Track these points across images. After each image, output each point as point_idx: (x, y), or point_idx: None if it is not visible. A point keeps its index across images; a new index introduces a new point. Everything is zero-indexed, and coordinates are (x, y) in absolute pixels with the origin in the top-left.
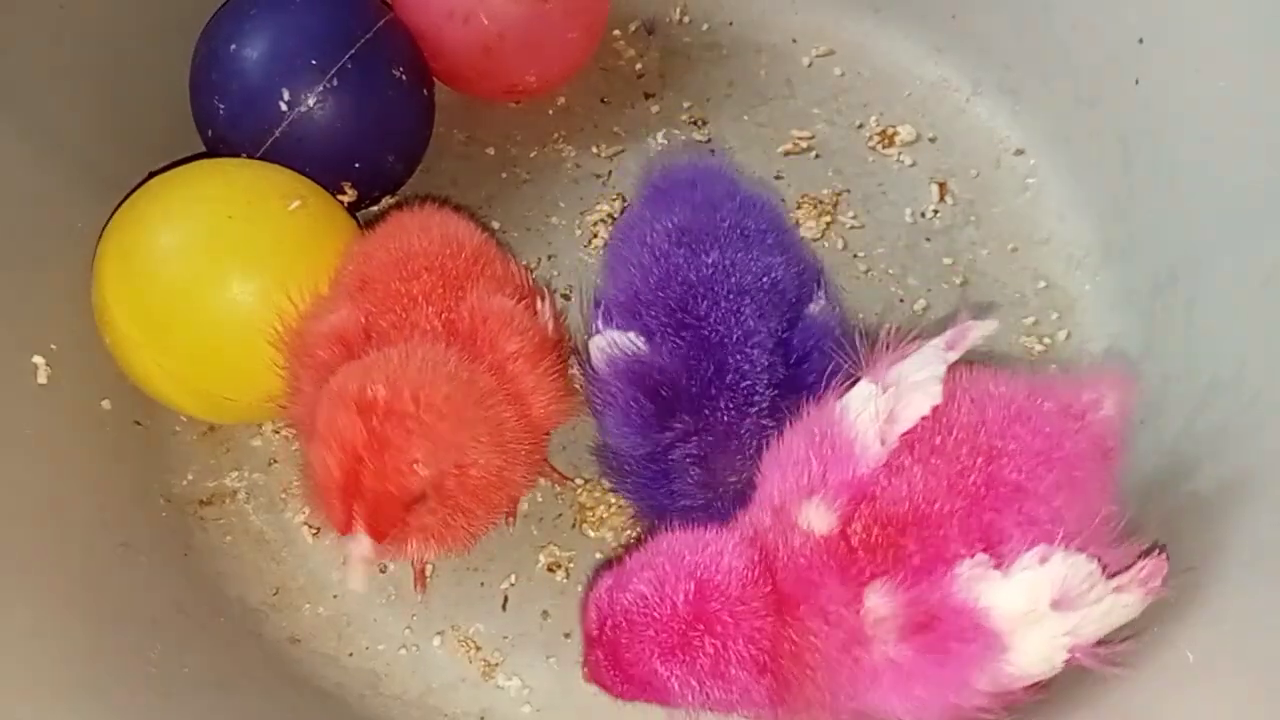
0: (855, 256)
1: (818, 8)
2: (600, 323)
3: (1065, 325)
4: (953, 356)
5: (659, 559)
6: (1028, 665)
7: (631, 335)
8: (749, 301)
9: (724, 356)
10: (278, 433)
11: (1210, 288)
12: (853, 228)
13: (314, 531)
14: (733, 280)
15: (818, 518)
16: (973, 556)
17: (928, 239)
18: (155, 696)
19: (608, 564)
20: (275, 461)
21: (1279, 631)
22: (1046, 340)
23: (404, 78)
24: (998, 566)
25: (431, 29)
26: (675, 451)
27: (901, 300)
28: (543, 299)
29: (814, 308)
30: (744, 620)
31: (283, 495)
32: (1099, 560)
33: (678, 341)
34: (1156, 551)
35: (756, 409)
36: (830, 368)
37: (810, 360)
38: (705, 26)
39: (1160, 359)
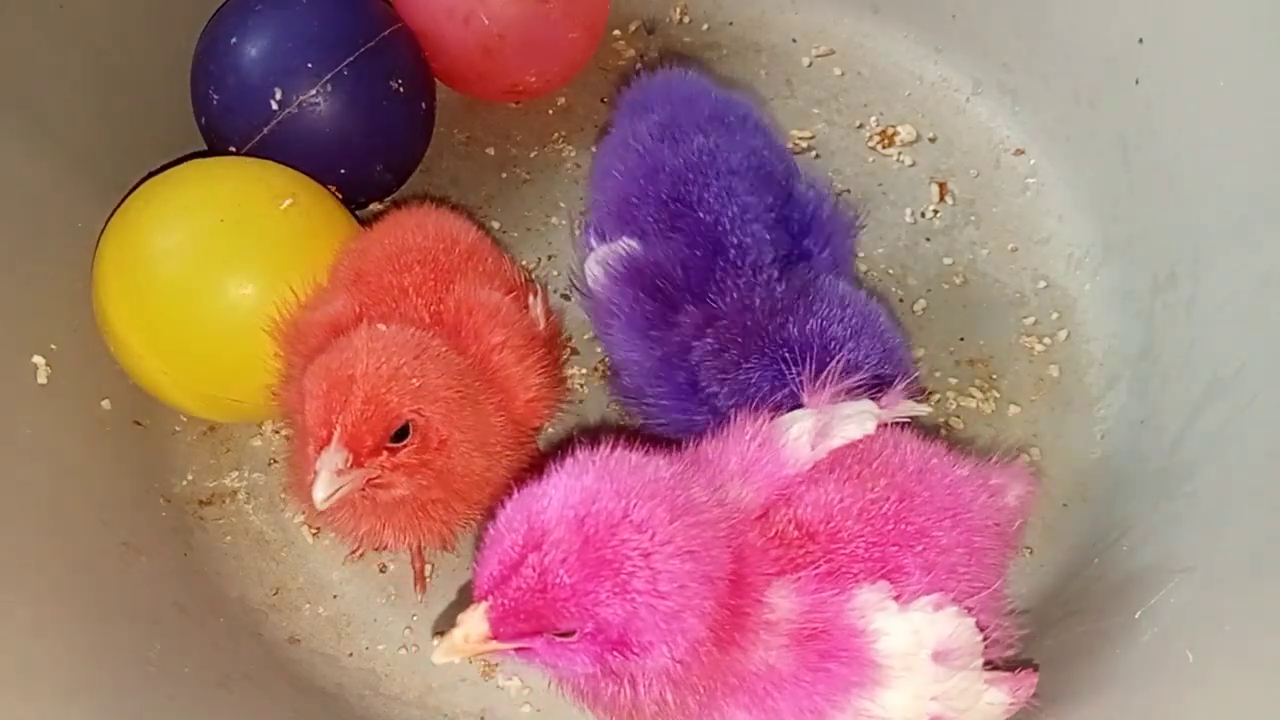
0: (855, 256)
1: (818, 8)
2: (593, 241)
3: (1065, 325)
4: (883, 414)
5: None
6: (890, 715)
7: (624, 241)
8: (739, 180)
9: (721, 236)
10: (278, 433)
11: (1210, 288)
12: None
13: (314, 531)
14: (720, 161)
15: (746, 494)
16: (874, 582)
17: (928, 239)
18: (155, 696)
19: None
20: (275, 461)
21: (1279, 631)
22: (1046, 340)
23: (402, 89)
24: (897, 598)
25: (431, 29)
26: (692, 352)
27: (901, 300)
28: (535, 295)
29: (802, 184)
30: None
31: (283, 495)
32: (983, 633)
33: (672, 233)
34: (1033, 668)
35: (765, 280)
36: (833, 234)
37: (811, 233)
38: (705, 26)
39: (1160, 359)
